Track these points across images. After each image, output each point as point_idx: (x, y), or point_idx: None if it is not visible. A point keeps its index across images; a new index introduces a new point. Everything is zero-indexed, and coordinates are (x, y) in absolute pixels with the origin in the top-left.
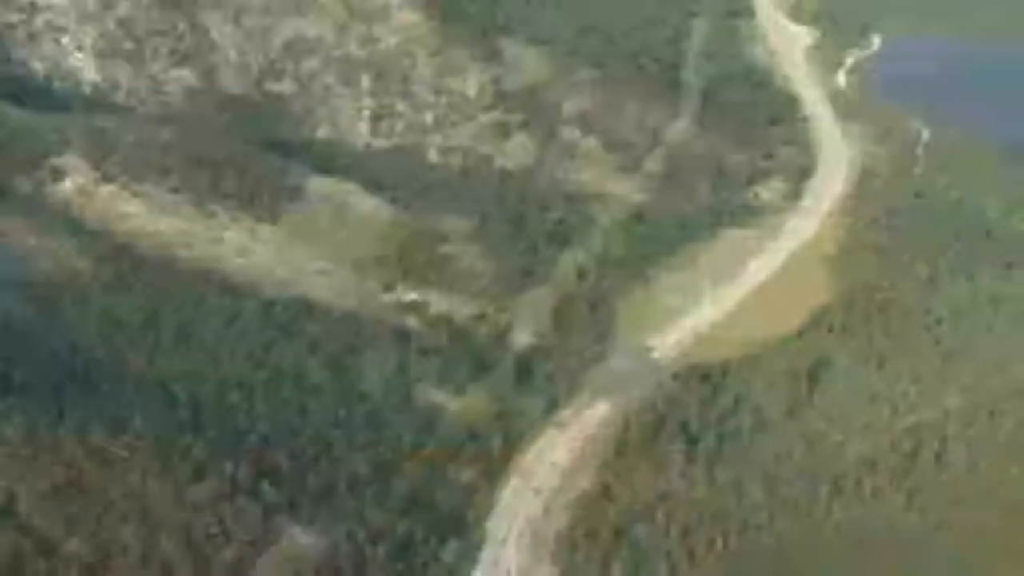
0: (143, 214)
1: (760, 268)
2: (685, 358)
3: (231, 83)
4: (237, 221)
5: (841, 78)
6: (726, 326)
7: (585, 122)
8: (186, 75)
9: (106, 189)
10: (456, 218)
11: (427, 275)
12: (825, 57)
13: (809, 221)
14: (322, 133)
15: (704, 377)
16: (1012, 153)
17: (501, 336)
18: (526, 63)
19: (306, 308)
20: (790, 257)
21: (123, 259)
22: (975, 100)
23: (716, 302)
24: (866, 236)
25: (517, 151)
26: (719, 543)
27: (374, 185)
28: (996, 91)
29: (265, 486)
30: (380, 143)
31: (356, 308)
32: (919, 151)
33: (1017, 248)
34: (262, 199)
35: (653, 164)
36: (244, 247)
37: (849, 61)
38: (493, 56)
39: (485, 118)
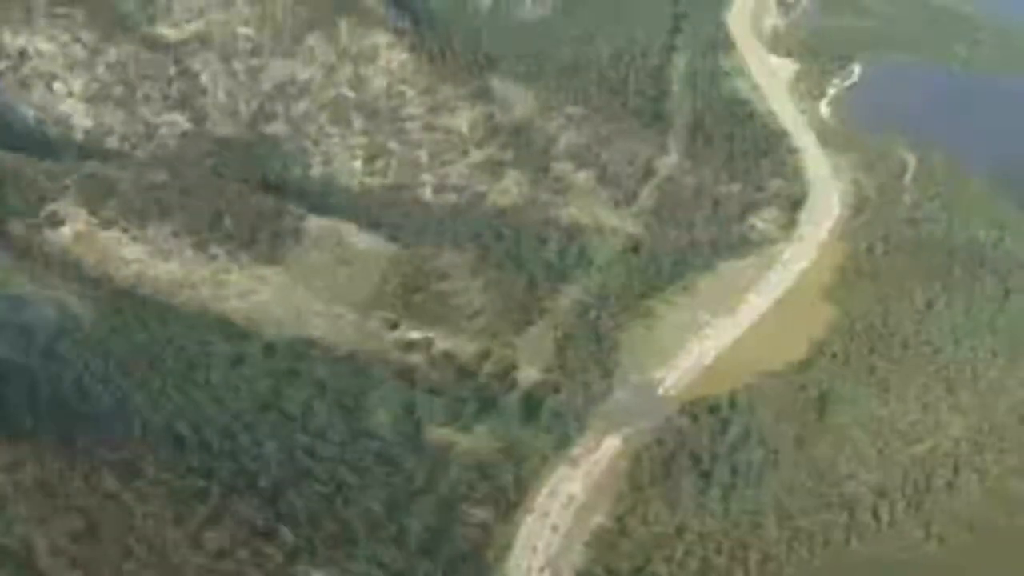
0: (143, 258)
1: (760, 299)
2: (691, 391)
3: (222, 126)
4: (238, 263)
5: (824, 108)
6: (730, 358)
7: (576, 157)
8: (178, 119)
9: (105, 234)
10: (454, 255)
11: (429, 313)
12: (807, 88)
13: (805, 251)
14: (316, 173)
15: (712, 410)
16: (997, 179)
17: (506, 373)
18: (515, 99)
19: (310, 349)
20: (789, 287)
21: (124, 303)
22: (956, 128)
23: (718, 334)
24: (862, 265)
25: (510, 187)
26: None
27: (371, 223)
28: (975, 119)
29: (282, 529)
30: (374, 181)
31: (360, 348)
32: (907, 179)
33: (1012, 273)
34: (262, 240)
35: (646, 197)
36: (246, 289)
37: (831, 92)
38: (482, 93)
39: (478, 155)
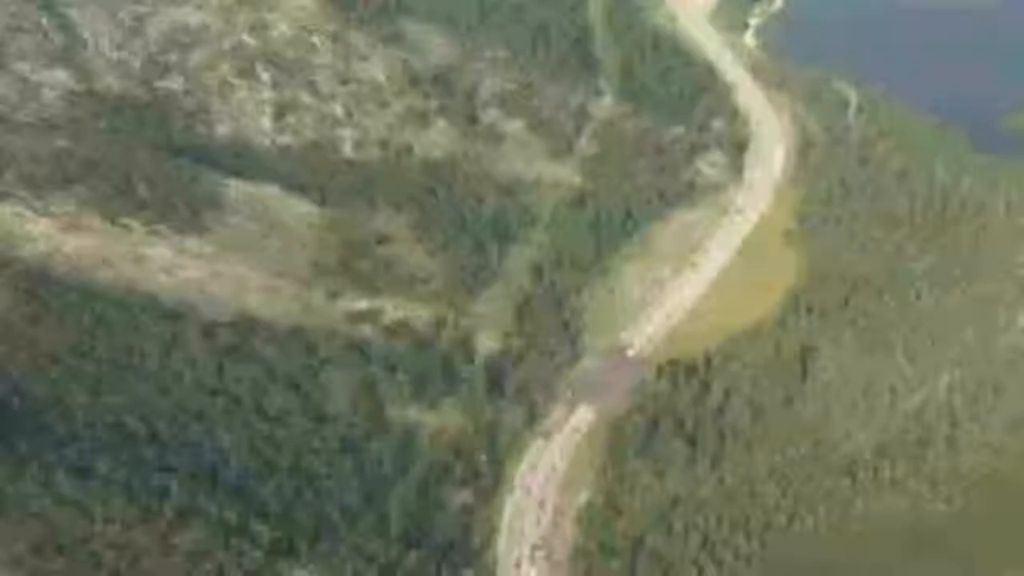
0: (52, 234)
1: (720, 251)
2: (663, 353)
3: (112, 82)
4: (157, 235)
5: (749, 40)
6: (698, 315)
7: (505, 104)
8: (60, 76)
9: (5, 209)
10: (391, 216)
11: (374, 280)
12: (729, 19)
13: (758, 196)
14: (223, 132)
15: (689, 372)
16: (943, 113)
17: (465, 343)
18: (431, 44)
19: (251, 327)
20: (748, 237)
21: (38, 285)
22: (892, 57)
23: (683, 290)
24: (821, 209)
25: (438, 139)
26: (745, 548)
27: (294, 186)
28: (911, 46)
29: (257, 526)
30: (288, 139)
31: (305, 323)
32: (850, 115)
33: (976, 213)
34: (179, 209)
35: (585, 146)
36: (171, 264)
37: (754, 22)
38: (396, 38)
39: (398, 105)
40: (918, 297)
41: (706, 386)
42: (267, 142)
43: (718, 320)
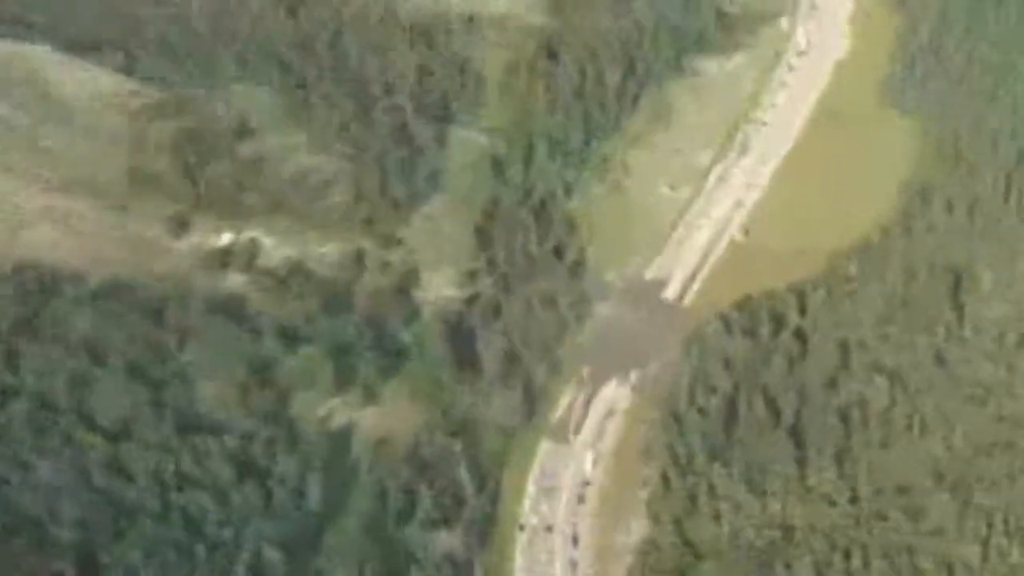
0: None
1: (780, 118)
2: (722, 290)
3: None
4: None
5: None
6: (767, 226)
7: None
8: None
9: None
10: (253, 91)
11: (240, 198)
12: None
13: (831, 26)
14: None
15: (774, 318)
16: None
17: (403, 290)
18: None
19: (39, 284)
20: (823, 93)
21: None
22: None
23: (731, 186)
24: (940, 42)
25: None
26: None
27: (75, 43)
28: None
29: None
30: None
31: (135, 270)
32: None
33: None
34: None
35: None
36: None
37: None
38: None
39: None
40: None
41: (804, 342)
42: None
43: (803, 233)
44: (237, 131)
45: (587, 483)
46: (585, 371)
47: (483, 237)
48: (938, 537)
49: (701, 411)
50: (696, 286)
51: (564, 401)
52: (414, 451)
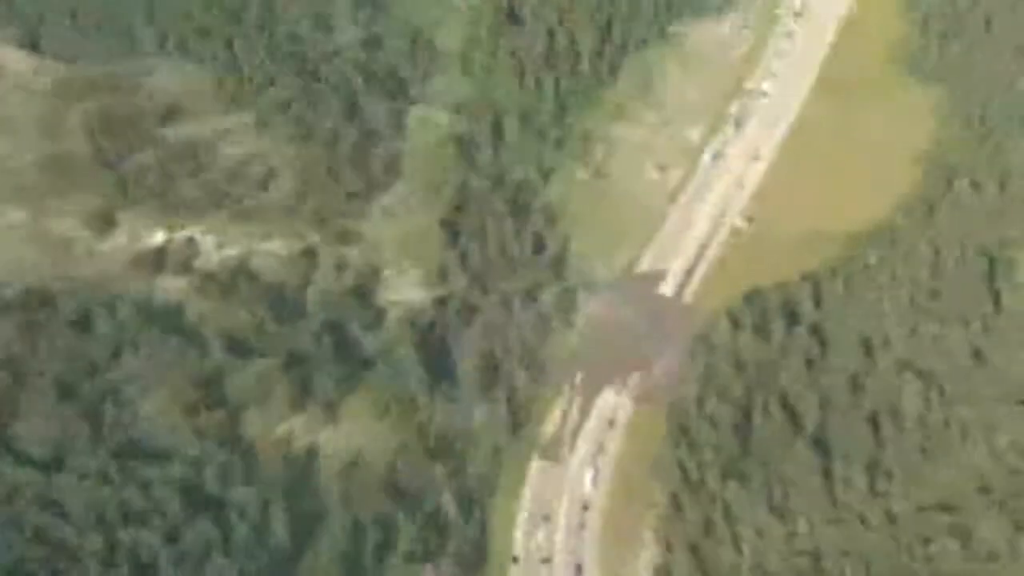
0: None
1: (780, 88)
2: (724, 282)
3: None
4: None
5: None
6: (770, 210)
7: None
8: None
9: None
10: (172, 61)
11: (167, 187)
12: None
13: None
14: None
15: (786, 312)
16: None
17: (365, 292)
18: None
19: None
20: (827, 58)
21: None
22: None
23: (728, 166)
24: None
25: None
26: None
27: None
28: None
29: None
30: None
31: (52, 276)
32: None
33: None
34: None
35: None
36: None
37: None
38: None
39: None
40: None
41: (822, 339)
42: None
43: (813, 217)
44: (163, 113)
45: (587, 506)
46: (577, 378)
47: (452, 230)
48: (992, 563)
49: (712, 421)
50: (697, 279)
51: (555, 414)
52: (389, 476)
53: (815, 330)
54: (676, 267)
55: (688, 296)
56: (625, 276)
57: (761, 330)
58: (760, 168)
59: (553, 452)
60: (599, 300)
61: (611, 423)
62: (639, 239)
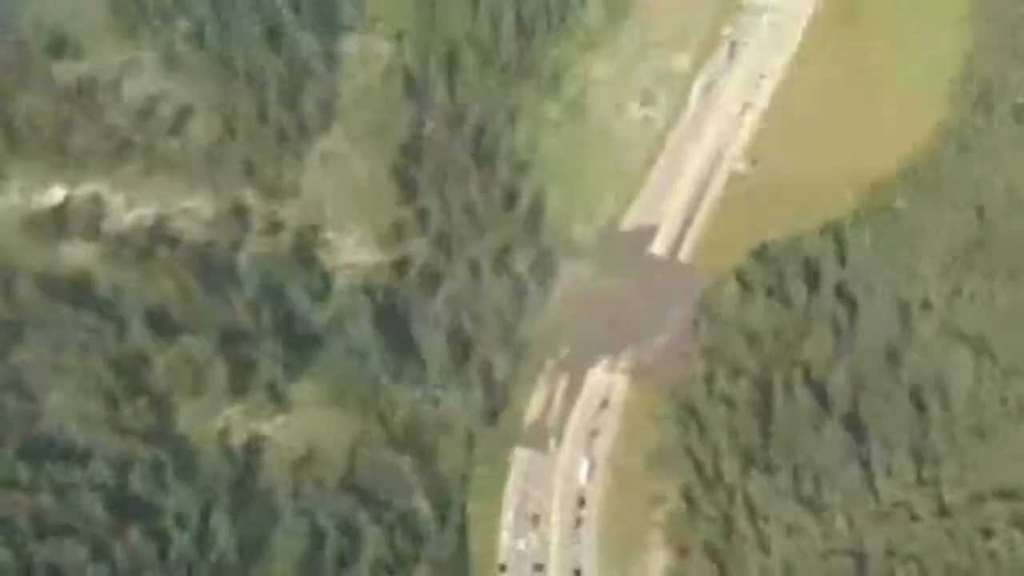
0: None
1: (780, 13)
2: (727, 238)
3: None
4: None
5: None
6: (770, 160)
7: None
8: None
9: None
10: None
11: (63, 135)
12: None
13: None
14: None
15: (807, 272)
16: None
17: (306, 256)
18: None
19: None
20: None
21: None
22: None
23: (722, 99)
24: None
25: None
26: None
27: None
28: None
29: None
30: None
31: None
32: None
33: None
34: None
35: None
36: None
37: None
38: None
39: None
40: None
41: (851, 302)
42: None
43: (827, 157)
44: (50, 46)
45: (583, 503)
46: (561, 354)
47: (405, 181)
48: None
49: (726, 401)
50: (694, 235)
51: (539, 396)
52: (349, 472)
53: (840, 291)
54: (669, 221)
55: (685, 255)
56: (610, 233)
57: (776, 293)
58: (762, 100)
59: (539, 440)
60: (581, 263)
61: (604, 404)
62: (624, 189)
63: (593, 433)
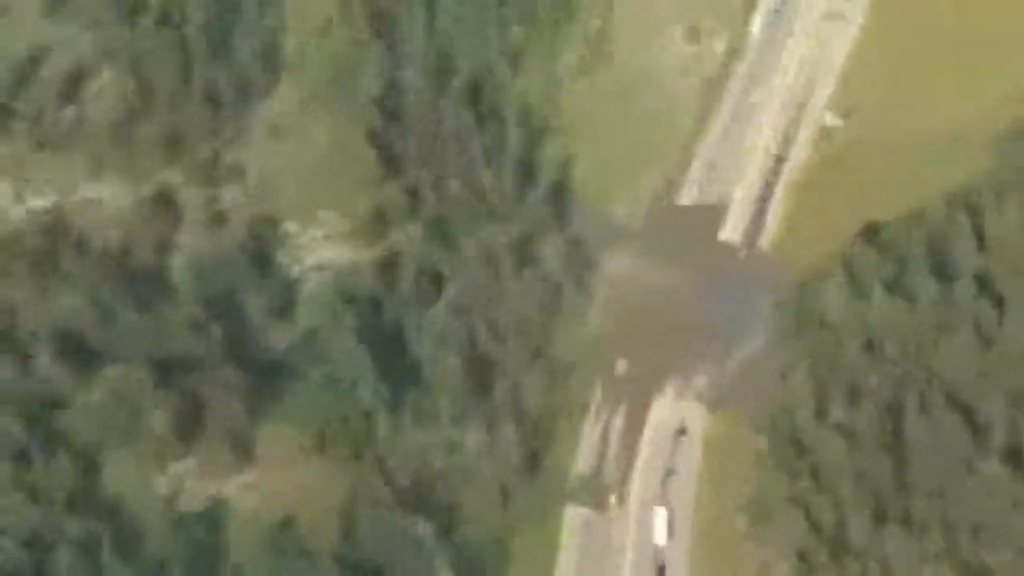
0: None
1: None
2: (808, 227)
3: None
4: None
5: None
6: (868, 110)
7: None
8: None
9: None
10: None
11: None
12: None
13: None
14: None
15: (897, 274)
16: None
17: (257, 255)
18: None
19: None
20: None
21: None
22: None
23: (786, 39)
24: None
25: None
26: None
27: None
28: None
29: None
30: None
31: None
32: None
33: None
34: None
35: None
36: None
37: None
38: None
39: None
40: None
41: (997, 297)
42: None
43: (947, 104)
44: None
45: (663, 570)
46: (614, 375)
47: (384, 151)
48: None
49: (845, 433)
50: (774, 215)
51: (590, 434)
52: (345, 541)
53: (983, 284)
54: (739, 195)
55: (765, 242)
56: (663, 212)
57: (897, 288)
58: (851, 31)
59: (595, 493)
60: (627, 253)
61: (678, 442)
62: (673, 153)
63: (667, 481)
